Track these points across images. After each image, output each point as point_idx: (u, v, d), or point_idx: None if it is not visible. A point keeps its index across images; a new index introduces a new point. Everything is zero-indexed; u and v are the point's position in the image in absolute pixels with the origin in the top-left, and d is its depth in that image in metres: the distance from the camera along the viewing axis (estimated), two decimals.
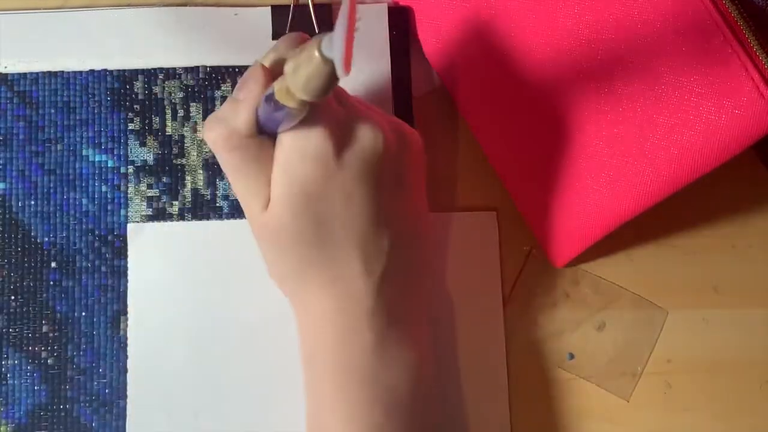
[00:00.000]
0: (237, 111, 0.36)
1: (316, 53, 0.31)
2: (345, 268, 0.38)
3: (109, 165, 0.46)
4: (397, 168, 0.38)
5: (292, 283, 0.39)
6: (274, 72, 0.37)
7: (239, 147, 0.37)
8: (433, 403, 0.40)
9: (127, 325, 0.45)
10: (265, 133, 0.37)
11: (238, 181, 0.38)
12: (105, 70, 0.47)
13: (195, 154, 0.46)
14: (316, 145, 0.35)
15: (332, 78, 0.31)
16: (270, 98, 0.34)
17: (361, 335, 0.38)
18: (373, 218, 0.37)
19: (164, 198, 0.46)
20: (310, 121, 0.35)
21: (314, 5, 0.47)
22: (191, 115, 0.46)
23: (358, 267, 0.38)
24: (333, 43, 0.29)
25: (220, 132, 0.37)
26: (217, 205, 0.46)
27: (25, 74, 0.46)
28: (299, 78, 0.32)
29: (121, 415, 0.44)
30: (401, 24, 0.48)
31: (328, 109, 0.36)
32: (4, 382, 0.44)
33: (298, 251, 0.38)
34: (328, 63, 0.30)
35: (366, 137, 0.36)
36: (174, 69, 0.47)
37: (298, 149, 0.36)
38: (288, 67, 0.33)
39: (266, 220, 0.37)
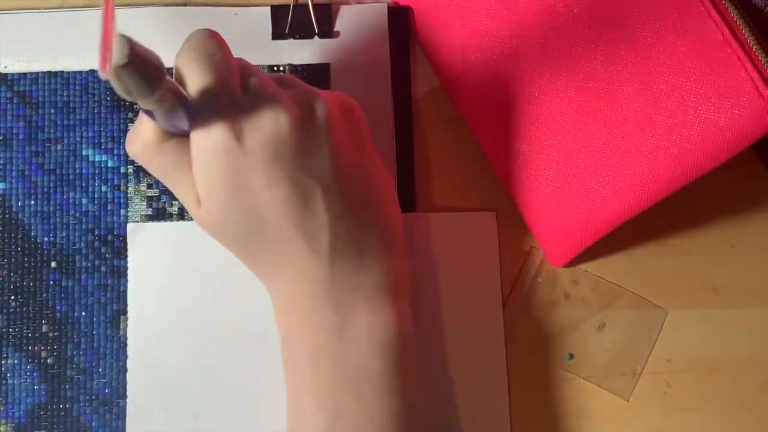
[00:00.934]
0: (142, 122, 0.37)
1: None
2: (290, 250, 0.37)
3: (109, 165, 0.46)
4: (314, 139, 0.37)
5: (253, 265, 0.40)
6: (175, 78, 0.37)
7: (156, 154, 0.37)
8: (410, 381, 0.39)
9: (127, 325, 0.45)
10: (176, 136, 0.37)
11: (169, 185, 0.38)
12: None
13: None
14: (218, 138, 0.35)
15: (135, 77, 0.31)
16: (163, 101, 0.34)
17: (322, 314, 0.38)
18: (300, 196, 0.36)
19: (164, 198, 0.46)
20: (210, 115, 0.35)
21: (314, 5, 0.47)
22: None
23: (302, 247, 0.37)
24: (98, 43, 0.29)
25: (136, 145, 0.38)
26: None
27: (25, 74, 0.46)
28: (120, 92, 0.32)
29: (121, 415, 0.44)
30: (401, 24, 0.48)
31: (228, 98, 0.36)
32: (4, 382, 0.44)
33: (240, 243, 0.38)
34: (116, 68, 0.30)
35: (264, 119, 0.36)
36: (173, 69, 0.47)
37: (204, 145, 0.36)
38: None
39: (201, 219, 0.38)
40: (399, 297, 0.40)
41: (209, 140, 0.36)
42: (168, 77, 0.33)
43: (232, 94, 0.36)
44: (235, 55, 0.48)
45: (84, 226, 0.46)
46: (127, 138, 0.38)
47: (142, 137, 0.37)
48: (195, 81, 0.36)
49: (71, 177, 0.46)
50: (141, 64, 0.31)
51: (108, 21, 0.29)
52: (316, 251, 0.37)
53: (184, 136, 0.37)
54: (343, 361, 0.38)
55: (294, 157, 0.36)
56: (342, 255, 0.38)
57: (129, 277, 0.45)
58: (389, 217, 0.40)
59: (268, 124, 0.36)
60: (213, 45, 0.37)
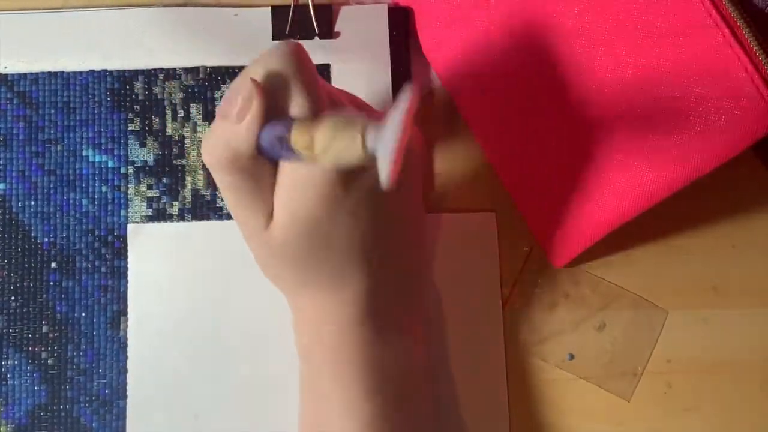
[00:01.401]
0: (239, 134, 0.34)
1: (359, 142, 0.30)
2: (345, 276, 0.38)
3: (109, 165, 0.46)
4: (403, 187, 0.37)
5: (289, 286, 0.40)
6: (266, 89, 0.34)
7: (242, 169, 0.35)
8: (425, 393, 0.42)
9: (127, 326, 0.45)
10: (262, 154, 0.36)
11: (239, 201, 0.37)
12: (105, 71, 0.47)
13: (195, 154, 0.46)
14: (323, 174, 0.35)
15: (362, 164, 0.31)
16: (282, 141, 0.33)
17: (358, 331, 0.39)
18: (376, 231, 0.38)
19: (164, 198, 0.46)
20: None
21: (314, 5, 0.47)
22: (191, 115, 0.46)
23: (358, 275, 0.38)
24: (381, 144, 0.28)
25: (222, 155, 0.35)
26: (217, 205, 0.46)
27: (25, 74, 0.46)
28: (330, 150, 0.31)
29: (121, 415, 0.44)
30: (401, 24, 0.48)
31: None
32: (4, 382, 0.44)
33: (299, 266, 0.38)
34: (368, 155, 0.30)
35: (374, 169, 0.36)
36: (174, 69, 0.47)
37: (305, 176, 0.35)
38: (322, 133, 0.31)
39: (268, 240, 0.37)
40: (417, 335, 0.42)
41: (311, 173, 0.35)
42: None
43: None
44: (236, 56, 0.48)
45: (84, 227, 0.46)
46: (205, 147, 0.36)
47: (233, 148, 0.35)
48: (301, 104, 0.34)
49: (71, 177, 0.46)
50: None
51: (406, 131, 0.28)
52: (368, 278, 0.38)
53: (274, 159, 0.36)
54: (371, 373, 0.39)
55: (384, 197, 0.36)
56: (387, 285, 0.39)
57: (129, 278, 0.45)
58: (425, 265, 0.45)
59: (373, 176, 0.35)
60: (310, 71, 0.35)
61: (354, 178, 0.36)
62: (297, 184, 0.35)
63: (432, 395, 0.43)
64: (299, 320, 0.41)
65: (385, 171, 0.29)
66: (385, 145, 0.29)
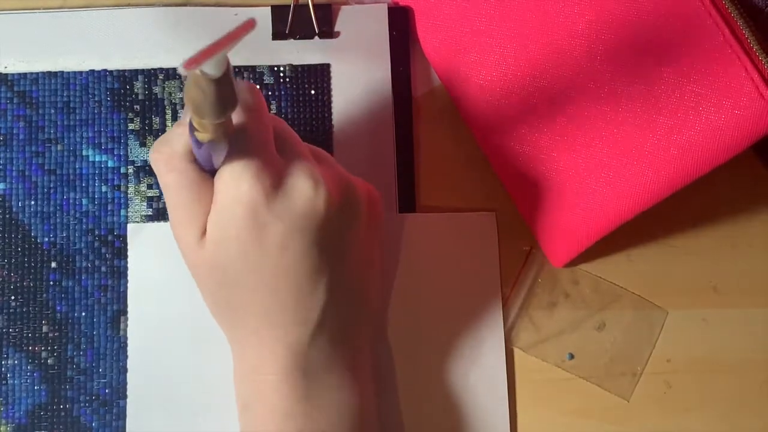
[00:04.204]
0: (179, 133, 0.36)
1: (195, 72, 0.29)
2: (279, 315, 0.37)
3: (109, 165, 0.46)
4: (340, 225, 0.37)
5: (227, 322, 0.39)
6: None
7: (178, 169, 0.36)
8: None
9: (127, 325, 0.45)
10: (206, 171, 0.36)
11: (175, 207, 0.37)
12: (105, 70, 0.47)
13: None
14: (247, 191, 0.34)
15: (215, 95, 0.30)
16: (191, 128, 0.33)
17: (295, 383, 0.38)
18: (309, 272, 0.36)
19: (164, 198, 0.46)
20: (244, 166, 0.34)
21: (314, 5, 0.47)
22: None
23: (292, 316, 0.37)
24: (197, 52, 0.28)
25: (162, 152, 0.36)
26: None
27: (25, 74, 0.46)
28: (190, 101, 0.31)
29: (121, 415, 0.44)
30: (401, 24, 0.48)
31: (264, 155, 0.35)
32: (4, 382, 0.44)
33: (231, 293, 0.37)
34: (204, 77, 0.29)
35: (302, 191, 0.35)
36: (174, 69, 0.47)
37: (230, 193, 0.35)
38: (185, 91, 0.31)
39: (200, 258, 0.37)
40: (365, 375, 0.41)
41: (238, 189, 0.35)
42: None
43: (267, 148, 0.36)
44: (236, 56, 0.48)
45: (84, 227, 0.46)
46: (156, 143, 0.37)
47: (172, 148, 0.36)
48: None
49: (71, 177, 0.46)
50: (228, 85, 0.30)
51: (230, 39, 0.28)
52: (303, 323, 0.37)
53: (211, 173, 0.36)
54: (310, 427, 0.38)
55: (317, 235, 0.36)
56: (324, 332, 0.38)
57: (129, 278, 0.45)
58: (371, 310, 0.42)
59: (304, 197, 0.35)
60: (251, 96, 0.36)
61: (279, 201, 0.35)
62: (224, 201, 0.35)
63: None
64: (238, 372, 0.40)
65: (187, 56, 0.28)
66: (203, 50, 0.28)
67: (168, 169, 0.36)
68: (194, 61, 0.28)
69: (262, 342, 0.38)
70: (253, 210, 0.35)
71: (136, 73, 0.47)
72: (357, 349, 0.41)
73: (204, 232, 0.36)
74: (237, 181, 0.35)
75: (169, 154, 0.36)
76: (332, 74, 0.47)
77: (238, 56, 0.47)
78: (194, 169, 0.36)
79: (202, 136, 0.33)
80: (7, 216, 0.45)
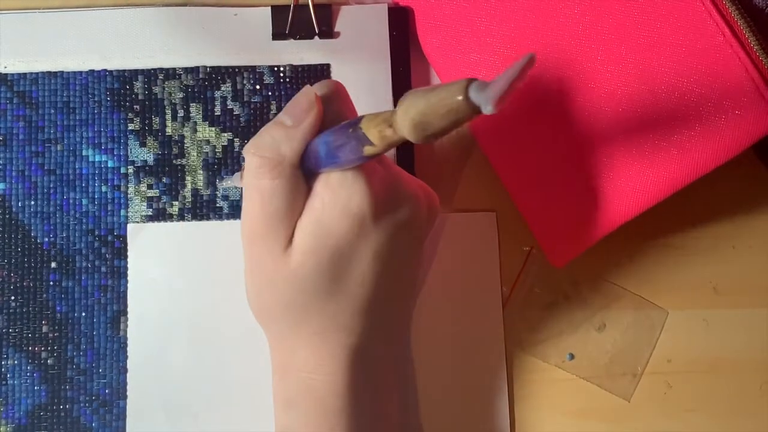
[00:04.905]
0: (290, 138, 0.35)
1: (460, 95, 0.28)
2: (349, 319, 0.37)
3: (109, 165, 0.46)
4: (422, 233, 0.39)
5: (281, 326, 0.38)
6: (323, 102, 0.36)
7: (284, 176, 0.35)
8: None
9: (127, 326, 0.45)
10: (304, 167, 0.35)
11: (265, 216, 0.35)
12: (105, 70, 0.47)
13: (195, 154, 0.46)
14: (358, 203, 0.34)
15: (458, 121, 0.29)
16: (352, 127, 0.32)
17: (353, 382, 0.38)
18: (390, 277, 0.37)
19: (164, 198, 0.46)
20: (355, 176, 0.34)
21: (314, 5, 0.47)
22: (191, 115, 0.46)
23: (360, 320, 0.37)
24: (493, 86, 0.27)
25: (269, 156, 0.35)
26: (217, 205, 0.46)
27: (25, 74, 0.46)
28: (420, 116, 0.29)
29: (121, 415, 0.44)
30: (401, 24, 0.48)
31: (373, 167, 0.35)
32: (4, 382, 0.44)
33: (305, 301, 0.37)
34: (470, 105, 0.28)
35: (409, 206, 0.36)
36: (174, 69, 0.47)
37: (339, 203, 0.34)
38: (408, 101, 0.30)
39: (284, 268, 0.36)
40: (408, 372, 0.44)
41: (347, 200, 0.34)
42: None
43: (373, 163, 0.36)
44: (236, 56, 0.48)
45: (84, 227, 0.45)
46: (254, 146, 0.35)
47: (281, 152, 0.35)
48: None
49: (71, 177, 0.46)
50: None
51: (522, 76, 0.27)
52: (369, 327, 0.38)
53: (315, 170, 0.35)
54: (361, 423, 0.38)
55: (408, 244, 0.37)
56: (381, 333, 0.39)
57: (129, 278, 0.45)
58: (413, 307, 0.44)
59: (410, 212, 0.36)
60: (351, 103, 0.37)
61: (386, 212, 0.36)
62: (328, 211, 0.35)
63: None
64: (283, 366, 0.39)
65: (495, 91, 0.26)
66: (499, 84, 0.27)
67: (274, 175, 0.35)
68: (503, 100, 0.27)
69: (325, 342, 0.37)
70: (361, 223, 0.35)
71: (136, 73, 0.47)
72: (403, 346, 0.42)
73: (290, 240, 0.36)
74: (348, 190, 0.34)
75: (277, 160, 0.35)
76: (332, 74, 0.47)
77: (238, 56, 0.47)
78: (297, 175, 0.35)
79: (373, 149, 0.32)
80: (7, 216, 0.45)
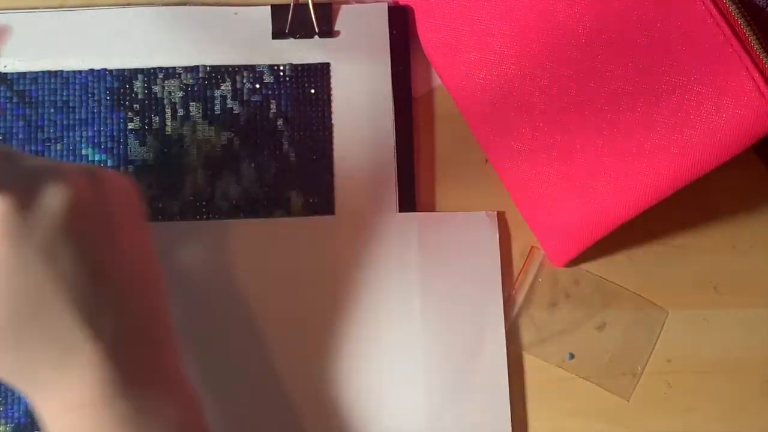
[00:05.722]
0: None
1: None
2: (69, 336, 0.33)
3: (108, 164, 0.46)
4: (101, 213, 0.35)
5: (23, 378, 0.34)
6: None
7: None
8: None
9: None
10: None
11: None
12: (105, 70, 0.47)
13: (195, 153, 0.46)
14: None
15: None
16: None
17: (112, 406, 0.34)
18: (88, 272, 0.33)
19: (163, 198, 0.46)
20: None
21: (314, 4, 0.47)
22: (191, 114, 0.46)
23: (84, 330, 0.33)
24: None
25: None
26: (217, 205, 0.46)
27: (24, 74, 0.46)
28: None
29: None
30: (401, 23, 0.48)
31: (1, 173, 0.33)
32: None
33: (10, 335, 0.33)
34: None
35: (51, 192, 0.33)
36: (174, 68, 0.47)
37: None
38: None
39: None
40: (184, 384, 0.37)
41: None
42: None
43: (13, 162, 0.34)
44: (236, 55, 0.48)
45: None
46: None
47: None
48: None
49: None
50: None
51: None
52: (98, 334, 0.33)
53: None
54: None
55: (82, 230, 0.34)
56: (127, 337, 0.35)
57: None
58: (160, 299, 0.38)
59: (55, 196, 0.33)
60: None
61: (36, 208, 0.33)
62: None
63: None
64: (50, 420, 0.34)
65: None
66: None
67: None
68: None
69: (63, 377, 0.33)
70: (11, 231, 0.32)
71: (135, 72, 0.47)
72: (168, 353, 0.37)
73: None
74: None
75: None
76: (332, 73, 0.47)
77: (238, 55, 0.47)
78: None
79: None
80: None
